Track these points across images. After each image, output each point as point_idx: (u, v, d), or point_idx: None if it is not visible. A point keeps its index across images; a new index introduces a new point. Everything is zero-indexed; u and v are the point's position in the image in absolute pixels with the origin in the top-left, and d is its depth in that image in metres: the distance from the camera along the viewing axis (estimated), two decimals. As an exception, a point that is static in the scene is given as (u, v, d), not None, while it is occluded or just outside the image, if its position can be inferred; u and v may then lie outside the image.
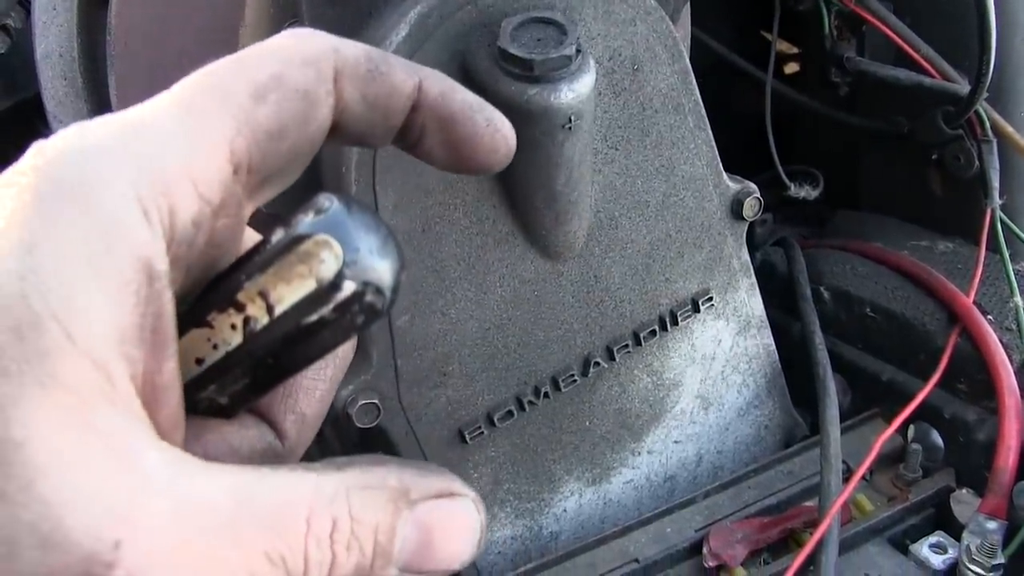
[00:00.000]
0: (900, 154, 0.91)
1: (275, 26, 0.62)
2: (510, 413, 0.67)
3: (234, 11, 0.61)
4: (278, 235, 0.29)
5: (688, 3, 0.75)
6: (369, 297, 0.28)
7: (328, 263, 0.27)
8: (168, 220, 0.27)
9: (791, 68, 1.08)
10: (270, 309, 0.28)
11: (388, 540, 0.28)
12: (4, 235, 0.25)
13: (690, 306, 0.71)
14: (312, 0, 0.55)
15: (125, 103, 0.63)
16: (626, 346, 0.69)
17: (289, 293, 0.28)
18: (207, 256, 0.30)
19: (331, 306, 0.28)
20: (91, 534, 0.24)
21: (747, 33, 1.06)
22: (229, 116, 0.29)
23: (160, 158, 0.28)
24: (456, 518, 0.30)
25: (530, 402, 0.67)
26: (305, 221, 0.28)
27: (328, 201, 0.28)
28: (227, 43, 0.62)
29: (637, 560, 0.67)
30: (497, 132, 0.35)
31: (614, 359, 0.69)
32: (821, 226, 0.99)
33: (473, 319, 0.64)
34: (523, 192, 0.61)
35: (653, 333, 0.70)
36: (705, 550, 0.67)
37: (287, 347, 0.29)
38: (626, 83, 0.63)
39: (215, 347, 0.30)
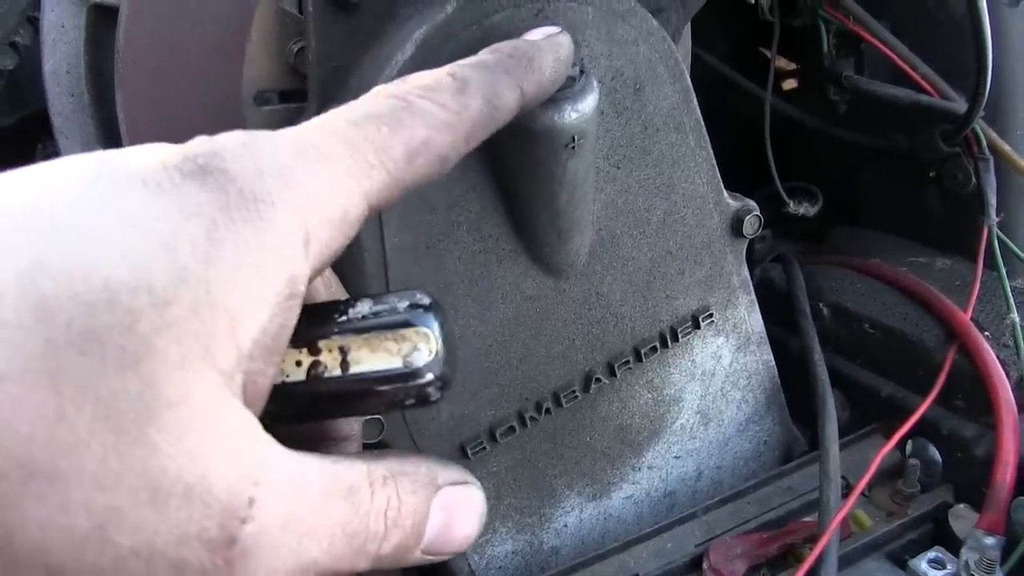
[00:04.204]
0: (898, 171, 0.92)
1: (281, 44, 0.63)
2: (512, 428, 0.68)
3: (241, 30, 0.62)
4: (364, 306, 0.32)
5: (689, 22, 0.76)
6: (432, 390, 0.32)
7: (422, 353, 0.32)
8: (317, 251, 0.31)
9: (789, 84, 1.09)
10: (344, 365, 0.32)
11: (422, 519, 0.32)
12: (191, 220, 0.28)
13: (690, 322, 0.72)
14: (318, 21, 0.56)
15: (132, 119, 0.64)
16: (627, 362, 0.70)
17: (370, 361, 0.32)
18: None
19: (403, 385, 0.32)
20: (230, 490, 0.27)
21: (745, 49, 1.07)
22: (385, 171, 0.33)
23: (328, 195, 0.31)
24: (471, 503, 0.34)
25: (532, 418, 0.68)
26: (401, 307, 0.32)
27: (426, 298, 0.32)
28: (234, 61, 0.62)
29: (638, 575, 0.67)
30: None
31: (615, 375, 0.70)
32: (820, 242, 0.99)
33: (476, 336, 0.64)
34: (527, 210, 0.61)
35: (654, 349, 0.71)
36: (705, 565, 0.67)
37: (338, 400, 0.32)
38: (628, 103, 0.63)
39: None
